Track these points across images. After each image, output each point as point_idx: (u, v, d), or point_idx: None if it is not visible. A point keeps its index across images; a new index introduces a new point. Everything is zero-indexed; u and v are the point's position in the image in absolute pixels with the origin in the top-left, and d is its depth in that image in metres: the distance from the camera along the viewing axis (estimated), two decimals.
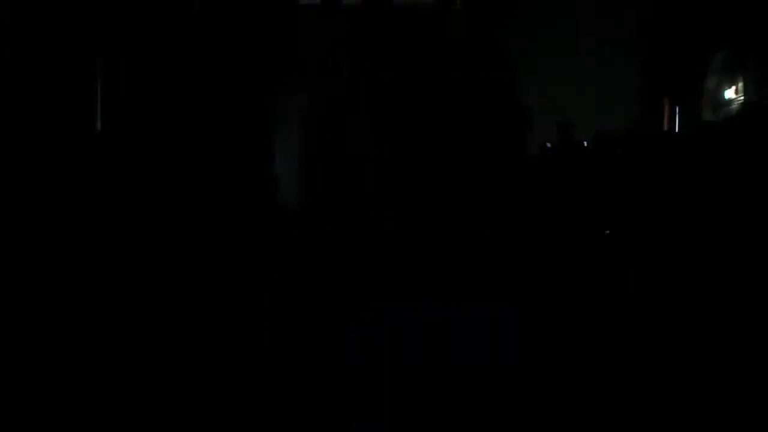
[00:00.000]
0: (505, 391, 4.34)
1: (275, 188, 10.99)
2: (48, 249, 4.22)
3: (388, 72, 12.61)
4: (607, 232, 7.00)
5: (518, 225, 4.32)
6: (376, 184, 7.35)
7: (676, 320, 4.65)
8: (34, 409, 3.45)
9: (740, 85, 9.07)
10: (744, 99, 8.63)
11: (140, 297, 5.02)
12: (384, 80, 12.74)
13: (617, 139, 7.78)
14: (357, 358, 4.68)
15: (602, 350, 4.73)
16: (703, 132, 5.53)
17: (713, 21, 9.29)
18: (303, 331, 5.30)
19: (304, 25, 12.78)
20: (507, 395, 4.33)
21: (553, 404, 4.56)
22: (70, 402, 3.59)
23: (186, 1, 10.69)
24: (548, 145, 9.27)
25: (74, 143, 5.24)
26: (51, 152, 4.77)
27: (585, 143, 8.36)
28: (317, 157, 7.65)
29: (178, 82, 10.14)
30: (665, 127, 10.53)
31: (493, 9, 3.98)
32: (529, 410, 3.97)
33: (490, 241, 4.32)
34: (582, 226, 6.96)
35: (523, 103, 3.96)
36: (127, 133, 7.99)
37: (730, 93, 9.49)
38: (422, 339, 4.78)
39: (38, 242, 4.20)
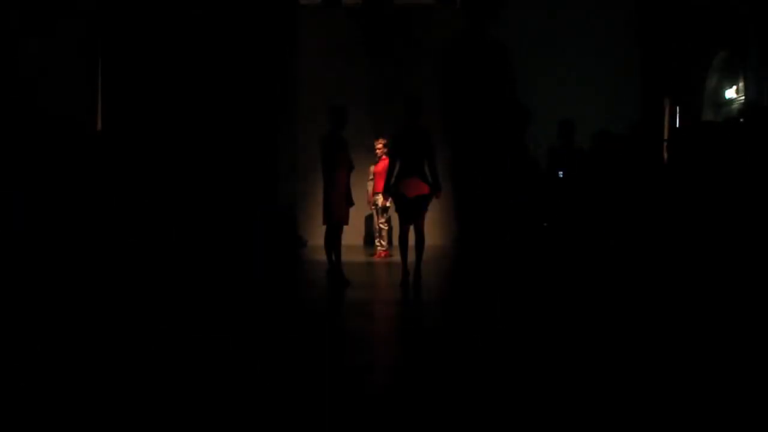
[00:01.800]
0: None
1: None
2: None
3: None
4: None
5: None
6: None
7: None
8: None
9: (740, 85, 9.08)
10: (744, 99, 8.65)
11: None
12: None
13: (617, 138, 7.79)
14: None
15: None
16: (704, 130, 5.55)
17: (713, 21, 9.31)
18: None
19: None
20: None
21: None
22: None
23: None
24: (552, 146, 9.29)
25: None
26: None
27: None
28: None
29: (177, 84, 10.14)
30: (665, 127, 10.56)
31: (492, 8, 3.98)
32: None
33: None
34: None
35: (523, 101, 3.96)
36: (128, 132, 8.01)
37: (730, 93, 9.51)
38: None
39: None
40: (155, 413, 3.10)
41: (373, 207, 11.60)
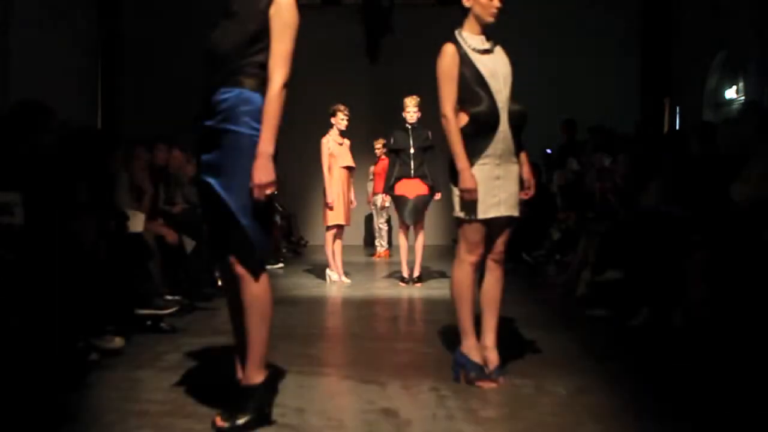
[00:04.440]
0: None
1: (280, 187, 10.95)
2: None
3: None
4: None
5: None
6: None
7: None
8: None
9: (740, 85, 9.06)
10: (744, 99, 8.63)
11: None
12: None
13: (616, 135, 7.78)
14: None
15: None
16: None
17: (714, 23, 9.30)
18: None
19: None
20: None
21: None
22: None
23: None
24: (548, 150, 9.28)
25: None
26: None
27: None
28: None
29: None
30: (665, 127, 10.54)
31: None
32: None
33: None
34: None
35: (523, 101, 3.95)
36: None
37: (730, 93, 9.49)
38: None
39: None
40: None
41: (373, 207, 11.59)
